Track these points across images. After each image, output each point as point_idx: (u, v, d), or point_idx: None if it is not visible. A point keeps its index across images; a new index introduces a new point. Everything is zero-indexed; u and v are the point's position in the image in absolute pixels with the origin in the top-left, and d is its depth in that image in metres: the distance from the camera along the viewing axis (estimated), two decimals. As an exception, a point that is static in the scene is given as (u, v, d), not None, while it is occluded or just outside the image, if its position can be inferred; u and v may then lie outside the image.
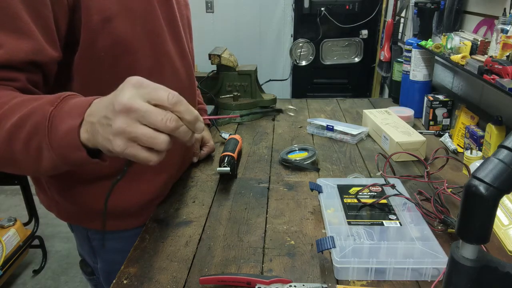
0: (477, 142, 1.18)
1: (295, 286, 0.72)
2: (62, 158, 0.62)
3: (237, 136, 1.28)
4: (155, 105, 0.56)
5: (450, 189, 0.94)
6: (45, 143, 0.61)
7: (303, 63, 2.92)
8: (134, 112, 0.55)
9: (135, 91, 0.56)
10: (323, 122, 1.44)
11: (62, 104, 0.62)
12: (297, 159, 1.21)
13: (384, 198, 0.94)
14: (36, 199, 1.44)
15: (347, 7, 2.77)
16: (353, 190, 0.98)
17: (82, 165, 0.63)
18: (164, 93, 0.57)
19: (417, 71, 1.55)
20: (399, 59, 1.73)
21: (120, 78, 0.62)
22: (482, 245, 0.58)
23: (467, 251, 0.53)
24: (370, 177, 1.12)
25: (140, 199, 0.95)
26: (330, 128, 1.40)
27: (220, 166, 1.11)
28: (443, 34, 1.39)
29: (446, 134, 1.35)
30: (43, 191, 0.97)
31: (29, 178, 1.99)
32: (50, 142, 0.61)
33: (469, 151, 1.16)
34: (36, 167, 0.65)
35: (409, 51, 1.56)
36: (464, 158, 1.16)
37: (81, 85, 0.79)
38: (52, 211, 0.99)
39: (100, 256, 1.02)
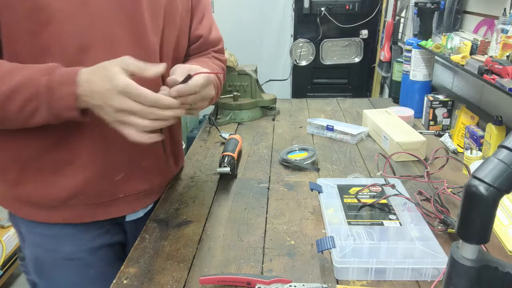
0: (477, 142, 1.18)
1: (295, 286, 0.72)
2: (57, 117, 0.75)
3: (237, 136, 1.28)
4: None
5: (450, 189, 0.94)
6: (44, 106, 0.73)
7: (303, 63, 2.92)
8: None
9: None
10: (323, 122, 1.44)
11: (55, 73, 0.73)
12: (297, 159, 1.21)
13: (384, 198, 0.94)
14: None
15: (347, 7, 2.76)
16: (353, 190, 0.98)
17: (70, 121, 0.77)
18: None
19: (417, 71, 1.55)
20: (399, 59, 1.73)
21: (46, 48, 0.77)
22: (482, 245, 0.58)
23: (467, 251, 0.53)
24: (370, 177, 1.12)
25: (56, 194, 0.90)
26: (330, 128, 1.41)
27: (220, 166, 1.11)
28: (443, 34, 1.39)
29: (446, 134, 1.35)
30: None
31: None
32: (50, 105, 0.73)
33: (469, 151, 1.16)
34: (24, 123, 0.77)
35: (409, 51, 1.56)
36: (464, 158, 1.16)
37: (9, 56, 0.78)
38: None
39: (25, 243, 0.99)
